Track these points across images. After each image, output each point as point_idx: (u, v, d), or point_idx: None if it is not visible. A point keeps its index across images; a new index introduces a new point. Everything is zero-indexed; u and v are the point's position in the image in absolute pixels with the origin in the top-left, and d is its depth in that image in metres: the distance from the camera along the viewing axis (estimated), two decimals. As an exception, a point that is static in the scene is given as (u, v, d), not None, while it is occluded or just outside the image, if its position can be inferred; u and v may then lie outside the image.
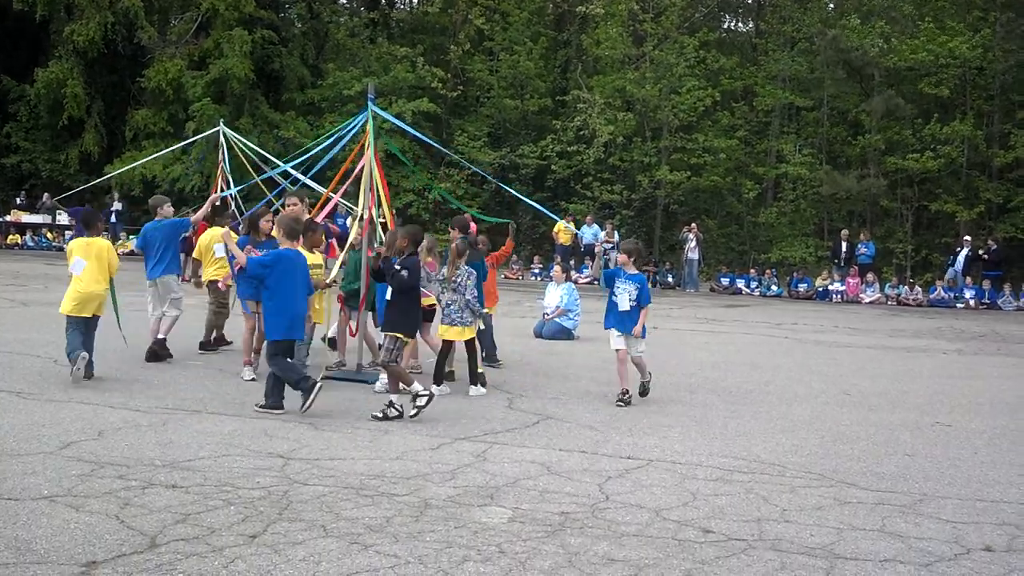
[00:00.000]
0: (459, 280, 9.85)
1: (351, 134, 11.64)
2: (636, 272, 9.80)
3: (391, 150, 12.80)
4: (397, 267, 8.75)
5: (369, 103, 10.84)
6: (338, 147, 12.08)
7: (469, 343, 10.03)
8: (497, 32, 35.69)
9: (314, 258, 9.95)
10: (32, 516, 5.41)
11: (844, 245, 27.60)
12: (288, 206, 10.95)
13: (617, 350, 9.70)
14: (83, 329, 9.50)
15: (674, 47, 33.00)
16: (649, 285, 10.99)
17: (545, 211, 14.27)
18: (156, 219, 11.52)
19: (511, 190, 13.91)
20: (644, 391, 9.88)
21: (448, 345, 10.09)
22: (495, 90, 35.30)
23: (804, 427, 8.93)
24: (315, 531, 5.37)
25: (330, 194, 11.54)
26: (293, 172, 12.81)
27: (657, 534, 5.59)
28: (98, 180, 24.73)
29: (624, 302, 9.59)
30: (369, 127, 10.88)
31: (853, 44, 30.01)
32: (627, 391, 9.61)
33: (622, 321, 9.63)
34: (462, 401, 9.53)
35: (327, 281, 10.31)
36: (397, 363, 8.73)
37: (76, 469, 6.40)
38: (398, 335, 8.75)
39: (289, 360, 8.70)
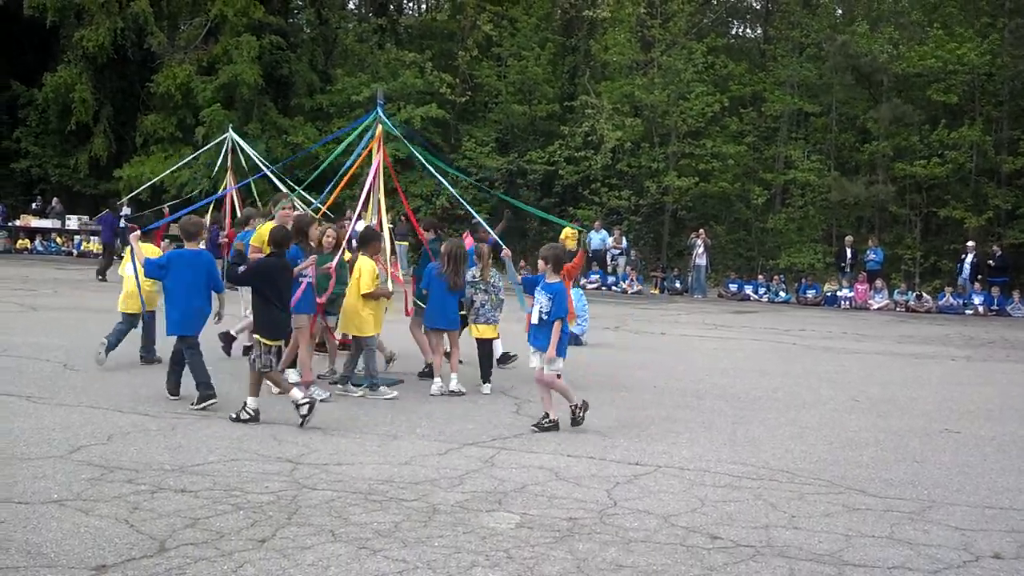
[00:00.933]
0: (492, 281, 10.30)
1: (358, 137, 11.66)
2: (556, 280, 8.62)
3: (408, 151, 12.68)
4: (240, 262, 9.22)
5: (378, 109, 10.86)
6: (352, 158, 12.07)
7: (485, 343, 10.31)
8: (505, 38, 35.72)
9: (371, 265, 9.85)
10: (42, 520, 5.43)
11: (849, 251, 27.57)
12: (284, 211, 11.02)
13: (532, 368, 8.73)
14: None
15: (682, 53, 33.01)
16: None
17: (550, 217, 14.26)
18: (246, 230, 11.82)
19: (509, 199, 13.90)
20: (575, 420, 8.56)
21: (487, 343, 10.48)
22: (503, 95, 35.32)
23: (812, 433, 8.92)
24: (324, 536, 5.38)
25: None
26: (295, 186, 12.85)
27: (665, 540, 5.59)
28: (135, 189, 24.69)
29: (535, 314, 8.54)
30: (379, 132, 10.91)
31: (862, 50, 29.98)
32: (547, 415, 8.54)
33: (535, 336, 8.56)
34: (470, 406, 9.54)
35: (388, 290, 10.39)
36: (270, 369, 8.54)
37: (86, 473, 6.42)
38: (259, 338, 8.52)
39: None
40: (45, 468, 6.50)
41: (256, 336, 8.54)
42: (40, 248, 32.63)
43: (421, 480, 6.64)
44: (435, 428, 8.42)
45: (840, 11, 36.50)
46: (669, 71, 32.76)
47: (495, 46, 36.14)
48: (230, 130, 21.66)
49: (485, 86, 35.95)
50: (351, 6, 44.55)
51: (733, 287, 28.01)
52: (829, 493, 6.79)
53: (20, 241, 32.90)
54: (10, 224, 33.62)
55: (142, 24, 33.65)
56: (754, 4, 42.33)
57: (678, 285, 28.99)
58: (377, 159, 10.87)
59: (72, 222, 33.02)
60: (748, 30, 44.48)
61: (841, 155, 33.05)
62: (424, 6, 44.06)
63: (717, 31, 37.49)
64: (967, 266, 26.60)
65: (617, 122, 31.80)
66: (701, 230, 28.76)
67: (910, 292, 26.09)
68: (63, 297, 18.74)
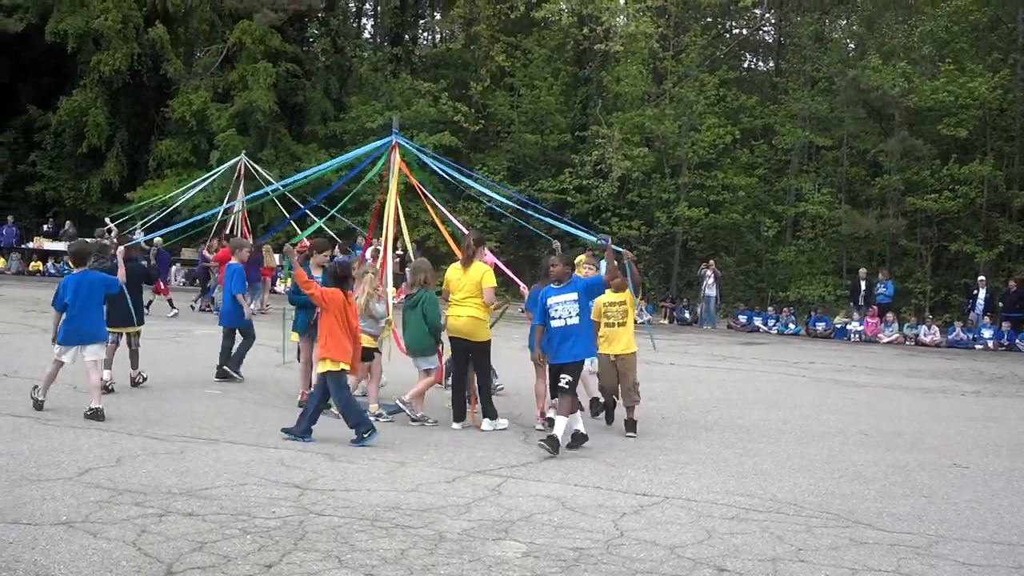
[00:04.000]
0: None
1: (372, 163, 11.76)
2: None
3: (422, 176, 12.73)
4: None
5: (394, 136, 10.95)
6: (362, 181, 12.20)
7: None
8: (518, 68, 35.97)
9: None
10: (50, 542, 5.46)
11: (863, 284, 27.52)
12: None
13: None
14: None
15: (694, 85, 33.16)
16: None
17: (573, 231, 13.95)
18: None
19: (532, 211, 13.89)
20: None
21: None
22: (515, 125, 35.52)
23: (820, 466, 8.90)
24: (330, 562, 5.39)
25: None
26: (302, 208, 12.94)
27: (672, 572, 5.58)
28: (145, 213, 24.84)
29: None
30: (394, 158, 10.99)
31: (873, 84, 30.07)
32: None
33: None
34: (478, 434, 9.55)
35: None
36: None
37: (94, 496, 6.45)
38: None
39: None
40: (54, 490, 6.53)
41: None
42: (52, 270, 32.76)
43: (428, 507, 6.65)
44: (442, 455, 8.43)
45: (852, 45, 36.62)
46: (681, 103, 32.91)
47: (508, 76, 36.39)
48: (243, 153, 21.87)
49: (498, 115, 36.16)
50: (367, 35, 45.05)
51: (743, 318, 27.96)
52: (836, 526, 6.77)
53: (33, 263, 33.09)
54: (23, 246, 33.85)
55: (159, 50, 34.05)
56: (766, 38, 42.53)
57: (687, 315, 28.96)
58: (393, 185, 10.95)
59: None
60: (760, 63, 44.65)
61: (852, 188, 33.06)
62: (439, 36, 44.42)
63: (729, 64, 37.63)
64: (980, 301, 26.52)
65: (627, 152, 31.91)
66: (711, 261, 28.77)
67: (920, 326, 25.99)
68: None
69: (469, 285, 9.85)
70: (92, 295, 9.49)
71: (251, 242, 14.68)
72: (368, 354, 9.99)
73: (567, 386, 8.87)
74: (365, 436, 8.65)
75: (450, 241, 11.80)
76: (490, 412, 9.84)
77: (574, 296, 9.06)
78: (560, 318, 9.02)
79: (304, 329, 10.39)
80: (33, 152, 36.35)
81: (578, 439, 9.00)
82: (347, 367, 8.88)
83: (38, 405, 9.38)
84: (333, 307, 8.90)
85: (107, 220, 23.94)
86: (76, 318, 9.32)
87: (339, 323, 8.88)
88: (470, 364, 9.98)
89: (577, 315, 9.02)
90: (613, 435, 9.81)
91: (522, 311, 11.58)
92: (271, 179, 19.30)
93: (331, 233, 13.33)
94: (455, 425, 9.84)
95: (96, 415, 9.01)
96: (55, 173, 36.34)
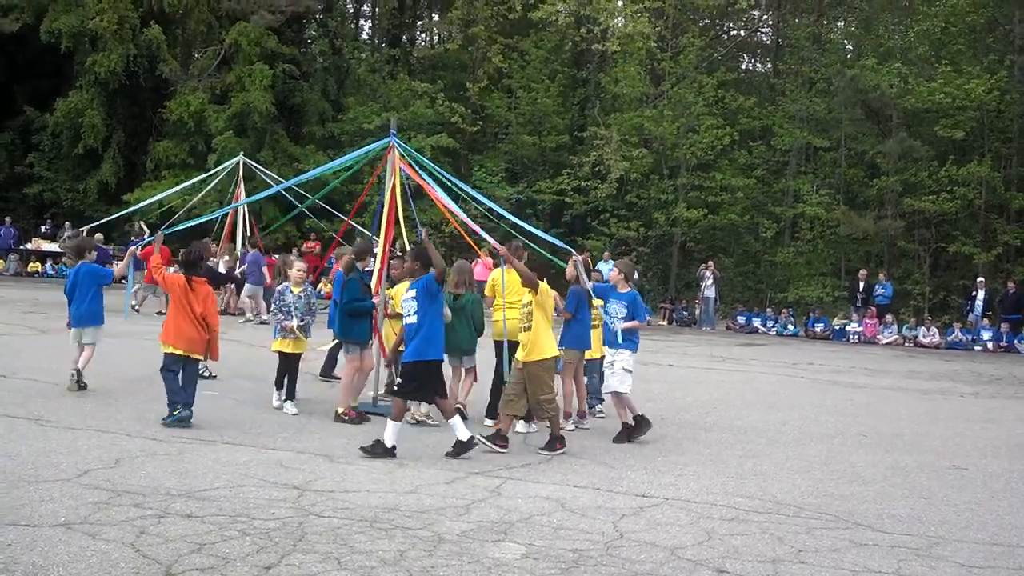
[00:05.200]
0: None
1: (366, 157, 11.72)
2: (628, 290, 10.15)
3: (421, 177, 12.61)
4: None
5: (392, 138, 10.93)
6: (383, 191, 12.14)
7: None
8: (515, 70, 35.96)
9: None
10: (49, 543, 5.44)
11: (862, 285, 27.52)
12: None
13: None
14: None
15: (692, 86, 33.17)
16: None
17: (561, 244, 14.03)
18: None
19: (522, 224, 13.77)
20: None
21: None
22: (513, 126, 35.51)
23: (820, 468, 8.90)
24: (329, 563, 5.38)
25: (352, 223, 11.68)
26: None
27: (671, 573, 5.57)
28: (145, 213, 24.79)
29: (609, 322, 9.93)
30: (389, 159, 10.96)
31: (871, 84, 30.10)
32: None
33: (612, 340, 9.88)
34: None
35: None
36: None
37: (93, 497, 6.44)
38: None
39: None
40: (52, 491, 6.52)
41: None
42: (51, 272, 32.75)
43: (427, 509, 6.64)
44: (441, 456, 8.41)
45: (850, 46, 36.66)
46: (679, 104, 32.91)
47: (506, 78, 36.38)
48: (241, 155, 21.84)
49: (495, 117, 36.15)
50: (364, 37, 45.02)
51: (741, 319, 27.96)
52: (836, 528, 6.77)
53: (31, 264, 33.06)
54: (21, 247, 33.81)
55: (155, 51, 33.97)
56: (764, 39, 42.58)
57: (685, 316, 28.97)
58: (392, 184, 10.91)
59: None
60: (758, 65, 44.72)
61: (850, 189, 33.07)
62: (436, 38, 44.44)
63: (727, 65, 37.64)
64: (979, 302, 26.53)
65: (625, 153, 31.90)
66: (710, 262, 28.77)
67: (919, 327, 26.00)
68: (72, 321, 18.79)
69: (518, 288, 9.80)
70: (88, 284, 10.82)
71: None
72: None
73: (396, 388, 8.73)
74: (174, 414, 9.04)
75: (464, 236, 11.81)
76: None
77: (413, 293, 8.62)
78: (407, 314, 8.68)
79: (366, 337, 10.32)
80: (30, 153, 36.28)
81: (460, 448, 8.44)
82: (186, 353, 9.23)
83: (82, 386, 10.60)
84: (174, 293, 9.38)
85: (141, 224, 23.97)
86: (75, 304, 10.86)
87: (181, 309, 9.27)
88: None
89: (415, 313, 8.52)
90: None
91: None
92: (273, 176, 19.30)
93: (331, 234, 13.26)
94: (488, 422, 10.03)
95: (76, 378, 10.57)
96: (52, 174, 36.28)
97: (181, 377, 9.22)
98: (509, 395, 9.09)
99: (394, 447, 8.24)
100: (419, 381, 8.46)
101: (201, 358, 9.60)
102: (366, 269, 10.61)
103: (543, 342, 9.06)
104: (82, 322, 10.77)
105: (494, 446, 8.77)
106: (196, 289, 9.33)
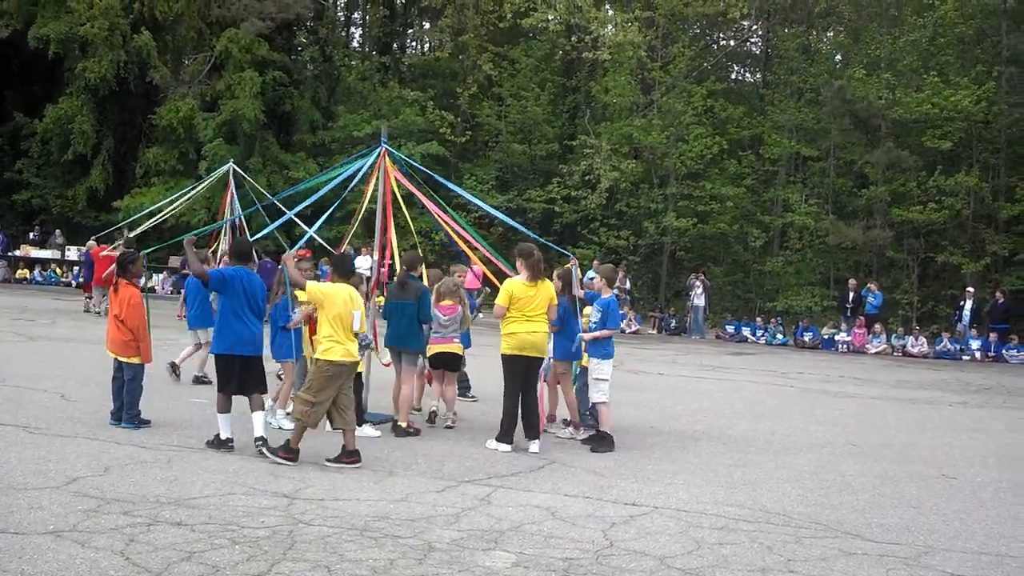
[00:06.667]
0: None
1: (360, 172, 11.69)
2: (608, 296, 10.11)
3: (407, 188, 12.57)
4: None
5: (382, 144, 10.93)
6: (348, 188, 12.16)
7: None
8: (506, 78, 36.05)
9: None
10: (38, 551, 5.42)
11: (851, 294, 27.60)
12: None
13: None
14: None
15: (682, 96, 33.29)
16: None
17: (557, 248, 14.14)
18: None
19: (513, 223, 13.74)
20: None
21: None
22: (503, 135, 35.57)
23: (809, 477, 8.92)
24: (319, 572, 5.37)
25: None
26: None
27: (661, 582, 5.58)
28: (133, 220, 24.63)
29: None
30: (381, 166, 10.96)
31: (859, 95, 30.24)
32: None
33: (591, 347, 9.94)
34: (468, 444, 9.54)
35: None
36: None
37: (82, 505, 6.41)
38: None
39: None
40: (41, 499, 6.49)
41: None
42: (39, 278, 32.66)
43: (417, 517, 6.63)
44: (432, 465, 8.42)
45: (839, 56, 36.86)
46: (669, 113, 33.03)
47: (496, 86, 36.45)
48: (231, 162, 21.80)
49: (485, 125, 36.21)
50: (355, 44, 45.07)
51: (731, 329, 28.02)
52: (825, 537, 6.79)
53: (20, 271, 32.96)
54: (10, 254, 33.70)
55: (145, 58, 33.94)
56: (754, 49, 42.78)
57: (674, 325, 29.01)
58: (386, 189, 10.91)
59: (72, 253, 33.02)
60: (747, 74, 44.90)
61: (839, 199, 33.22)
62: (427, 46, 44.51)
63: (717, 75, 37.80)
64: (967, 312, 26.63)
65: (614, 162, 31.96)
66: (700, 271, 28.83)
67: (908, 337, 26.09)
68: (61, 328, 18.75)
69: (543, 301, 9.63)
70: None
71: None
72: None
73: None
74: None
75: (460, 243, 11.78)
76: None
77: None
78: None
79: (421, 346, 10.24)
80: (20, 160, 36.23)
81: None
82: (115, 355, 9.36)
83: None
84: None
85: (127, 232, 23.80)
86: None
87: (110, 311, 9.57)
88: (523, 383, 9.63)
89: None
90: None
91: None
92: (260, 189, 19.25)
93: (320, 241, 13.23)
94: (505, 448, 9.35)
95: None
96: (42, 181, 36.22)
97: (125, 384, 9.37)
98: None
99: (229, 439, 8.60)
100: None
101: (135, 361, 9.34)
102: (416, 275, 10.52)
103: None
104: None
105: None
106: (120, 292, 9.38)
